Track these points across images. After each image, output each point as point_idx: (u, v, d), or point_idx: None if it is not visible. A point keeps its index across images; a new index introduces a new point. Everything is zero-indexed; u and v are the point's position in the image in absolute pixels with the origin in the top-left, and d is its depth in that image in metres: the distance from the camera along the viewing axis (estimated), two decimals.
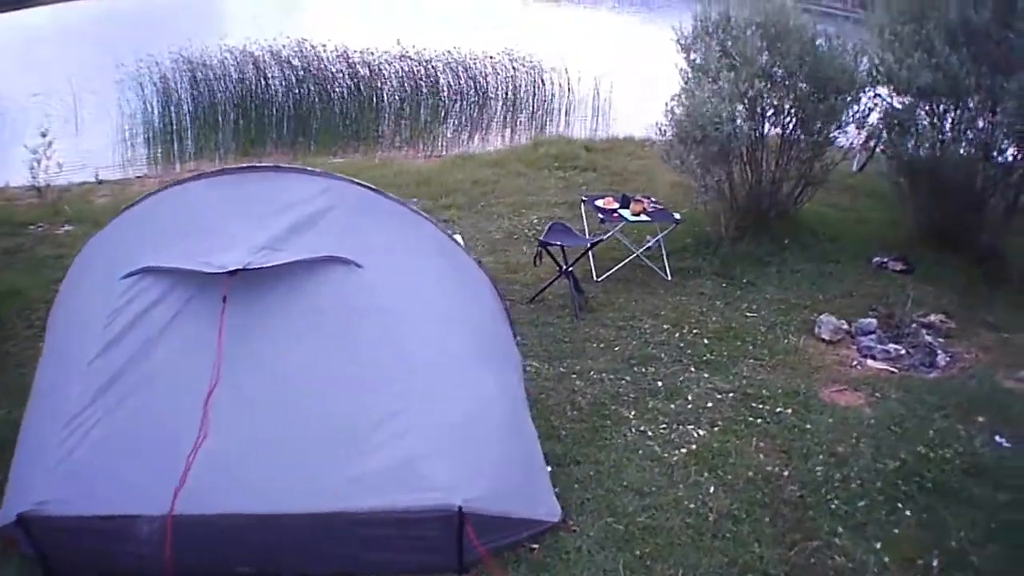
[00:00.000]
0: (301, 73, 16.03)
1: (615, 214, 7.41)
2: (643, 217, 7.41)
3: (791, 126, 8.13)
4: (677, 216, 7.53)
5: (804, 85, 7.87)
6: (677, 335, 6.42)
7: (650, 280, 7.39)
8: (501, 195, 9.46)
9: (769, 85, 7.84)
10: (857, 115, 8.24)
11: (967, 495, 4.67)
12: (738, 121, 7.38)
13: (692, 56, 8.15)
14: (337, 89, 16.11)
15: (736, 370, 5.95)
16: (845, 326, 6.68)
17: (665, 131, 7.73)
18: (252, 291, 4.10)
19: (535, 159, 10.88)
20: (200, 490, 3.62)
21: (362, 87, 16.12)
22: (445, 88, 16.48)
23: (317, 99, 15.93)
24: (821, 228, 8.54)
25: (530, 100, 16.64)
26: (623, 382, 5.73)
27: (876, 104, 8.34)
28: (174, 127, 15.01)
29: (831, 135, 8.12)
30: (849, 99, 8.00)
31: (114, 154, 13.20)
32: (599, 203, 7.57)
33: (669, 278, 7.40)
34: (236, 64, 15.69)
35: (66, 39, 23.77)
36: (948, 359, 6.35)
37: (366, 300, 4.09)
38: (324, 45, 16.20)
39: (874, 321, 6.72)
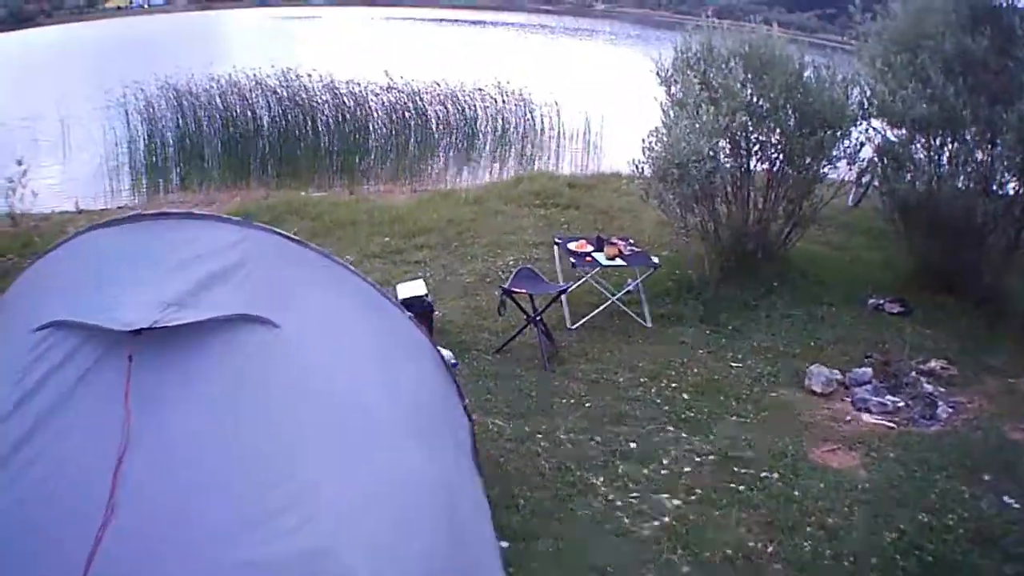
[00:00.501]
0: (287, 103, 15.70)
1: (588, 258, 6.89)
2: (618, 262, 6.88)
3: (778, 162, 7.66)
4: (655, 260, 7.02)
5: (791, 119, 7.41)
6: (654, 389, 5.89)
7: (628, 328, 6.87)
8: (478, 234, 8.98)
9: (753, 119, 7.39)
10: (848, 150, 7.78)
11: (971, 569, 4.15)
12: (720, 158, 6.92)
13: (672, 90, 7.70)
14: (322, 120, 15.78)
15: (718, 429, 5.40)
16: (838, 376, 6.14)
17: (643, 168, 7.21)
18: (159, 352, 3.59)
19: (516, 196, 10.42)
20: (107, 573, 3.12)
21: (348, 117, 15.78)
22: (434, 120, 16.12)
23: (301, 130, 15.59)
24: (812, 268, 8.06)
25: (519, 134, 16.28)
26: (592, 443, 5.18)
27: (869, 137, 7.90)
28: (158, 157, 14.65)
29: (821, 171, 7.63)
30: (840, 133, 7.52)
31: (98, 183, 12.90)
32: (572, 246, 7.05)
33: (648, 325, 6.89)
34: (221, 94, 15.37)
35: (66, 60, 23.59)
36: (950, 410, 5.82)
37: (282, 363, 3.58)
38: (310, 75, 15.87)
39: (870, 370, 6.20)
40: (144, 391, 3.55)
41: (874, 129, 7.90)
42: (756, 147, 7.65)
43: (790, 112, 7.44)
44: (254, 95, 15.47)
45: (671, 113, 7.47)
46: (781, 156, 7.63)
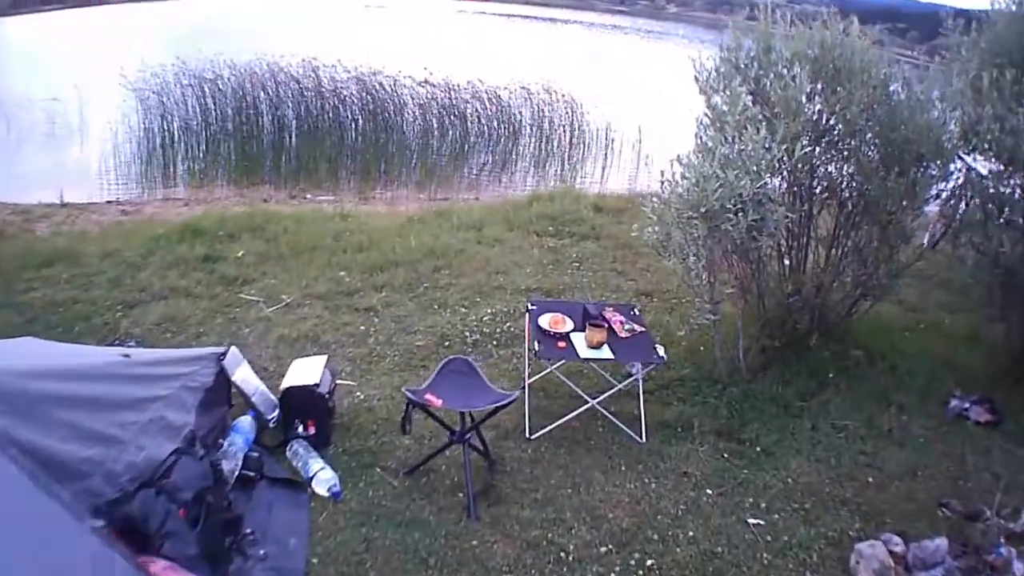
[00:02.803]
0: (311, 96, 13.83)
1: (561, 342, 4.71)
2: (604, 353, 4.67)
3: (850, 207, 5.41)
4: (660, 351, 4.77)
5: (872, 150, 5.15)
6: (618, 567, 3.75)
7: (612, 442, 4.73)
8: (459, 273, 6.93)
9: (821, 146, 5.17)
10: (945, 194, 5.47)
11: None
12: (770, 204, 4.72)
13: (714, 100, 5.47)
14: (349, 115, 13.87)
15: None
16: (899, 548, 3.96)
17: (660, 213, 5.01)
18: None
19: (525, 220, 8.31)
20: None
21: (378, 113, 13.81)
22: (472, 121, 14.05)
23: (325, 126, 13.71)
24: (881, 347, 5.83)
25: (566, 140, 14.09)
26: None
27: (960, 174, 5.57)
28: (168, 149, 12.93)
29: (908, 225, 5.33)
30: (935, 172, 5.22)
31: (102, 173, 11.40)
32: (544, 321, 4.88)
33: (642, 441, 4.72)
34: (238, 81, 13.56)
35: (112, 40, 22.36)
36: None
37: None
38: (335, 65, 13.96)
39: (943, 543, 3.97)
40: None
41: (970, 166, 5.57)
42: (821, 188, 5.41)
43: (869, 139, 5.20)
44: (276, 87, 13.59)
45: (707, 134, 5.25)
46: (855, 200, 5.36)
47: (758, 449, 4.71)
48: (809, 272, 5.54)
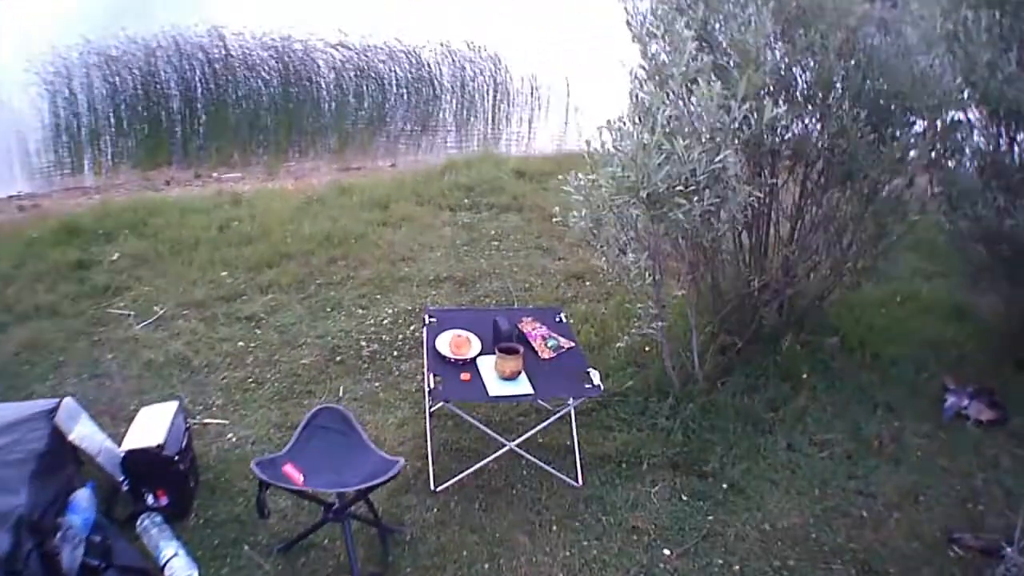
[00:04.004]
0: (218, 66, 12.38)
1: (465, 374, 3.58)
2: (520, 387, 3.54)
3: (817, 176, 4.39)
4: (595, 379, 3.65)
5: (850, 105, 4.11)
6: None
7: (541, 489, 3.69)
8: (358, 263, 5.81)
9: (786, 105, 4.12)
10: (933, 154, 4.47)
11: None
12: (728, 182, 3.65)
13: (653, 48, 4.36)
14: (259, 83, 12.46)
15: None
16: None
17: (587, 193, 3.86)
18: None
19: (437, 192, 7.16)
20: None
21: (292, 81, 12.45)
22: (389, 83, 12.76)
23: (232, 97, 12.29)
24: (859, 332, 4.85)
25: (489, 98, 12.85)
26: None
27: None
28: (66, 133, 11.40)
29: (902, 195, 4.31)
30: (924, 130, 4.23)
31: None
32: (443, 342, 3.75)
33: (579, 484, 3.69)
34: (145, 56, 12.05)
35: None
36: None
37: None
38: (242, 32, 12.52)
39: None
40: None
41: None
42: (788, 154, 4.36)
43: (843, 92, 4.16)
44: (181, 60, 12.11)
45: (644, 91, 4.15)
46: (827, 165, 4.32)
47: (724, 486, 3.71)
48: (773, 253, 4.53)
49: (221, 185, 8.52)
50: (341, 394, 4.28)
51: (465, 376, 3.52)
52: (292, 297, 5.30)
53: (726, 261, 4.53)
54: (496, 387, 3.48)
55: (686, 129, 3.57)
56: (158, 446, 3.36)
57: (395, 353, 4.70)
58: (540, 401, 3.91)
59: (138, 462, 3.36)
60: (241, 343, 4.76)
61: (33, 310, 5.11)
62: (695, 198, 3.45)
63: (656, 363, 4.36)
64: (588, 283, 5.58)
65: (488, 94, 12.88)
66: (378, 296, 5.33)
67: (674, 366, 4.24)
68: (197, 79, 12.21)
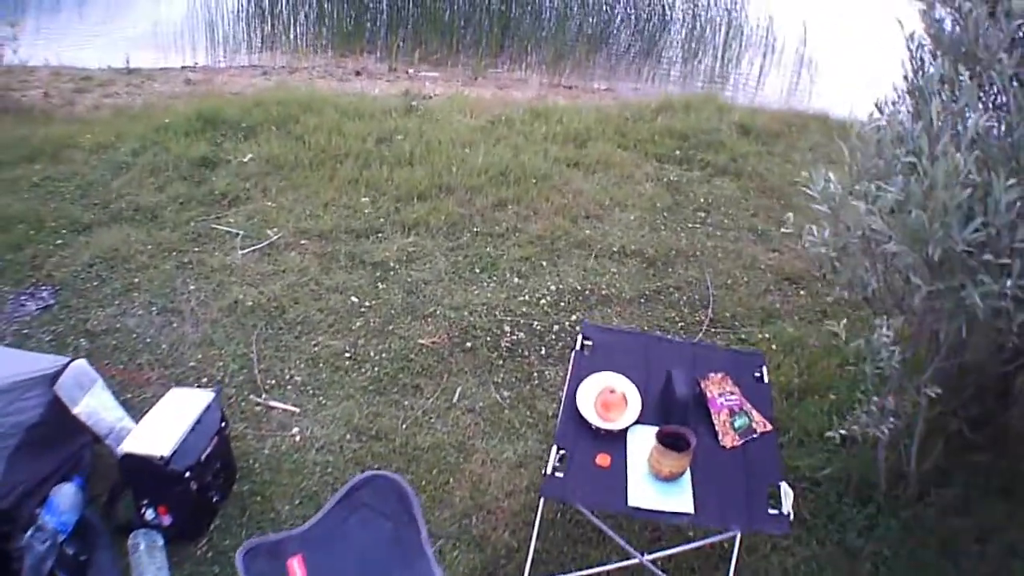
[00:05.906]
0: None
1: (603, 454, 2.35)
2: (676, 501, 2.25)
3: None
4: (786, 508, 2.27)
5: None
6: None
7: None
8: (531, 211, 4.65)
9: None
10: None
11: None
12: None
13: (939, 12, 2.74)
14: None
15: None
16: None
17: (835, 208, 2.38)
18: None
19: (645, 135, 5.75)
20: None
21: None
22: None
23: None
24: None
25: (717, 36, 11.03)
26: None
27: None
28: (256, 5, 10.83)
29: None
30: None
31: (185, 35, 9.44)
32: (584, 396, 2.51)
33: None
34: None
35: None
36: None
37: None
38: None
39: None
40: None
41: None
42: None
43: None
44: None
45: (930, 70, 2.60)
46: None
47: None
48: None
49: (412, 84, 7.58)
50: (455, 399, 3.21)
51: (603, 460, 2.32)
52: (437, 244, 4.25)
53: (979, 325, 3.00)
54: (642, 490, 2.26)
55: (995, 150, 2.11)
56: (161, 458, 2.45)
57: (543, 351, 3.56)
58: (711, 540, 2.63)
59: (136, 471, 2.49)
60: (355, 298, 3.78)
61: (131, 211, 4.39)
62: (1005, 271, 2.02)
63: (865, 450, 2.94)
64: (803, 292, 4.15)
65: (720, 29, 11.11)
66: (543, 262, 4.16)
67: (887, 456, 2.83)
68: None
